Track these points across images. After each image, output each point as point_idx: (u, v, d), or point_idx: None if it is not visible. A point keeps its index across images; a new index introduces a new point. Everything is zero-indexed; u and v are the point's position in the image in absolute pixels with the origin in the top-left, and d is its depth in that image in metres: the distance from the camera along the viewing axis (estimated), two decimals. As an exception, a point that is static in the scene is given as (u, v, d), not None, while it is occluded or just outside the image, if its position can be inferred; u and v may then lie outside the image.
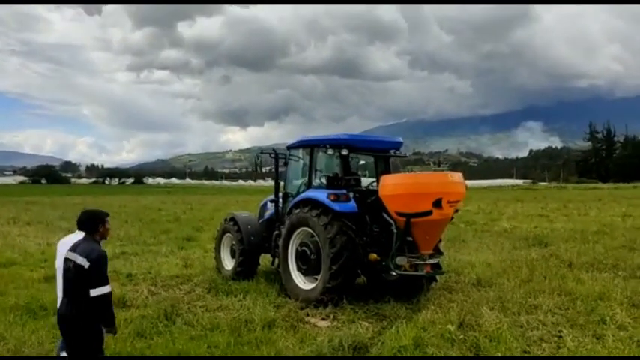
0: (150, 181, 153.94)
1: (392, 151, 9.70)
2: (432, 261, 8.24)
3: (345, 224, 8.25)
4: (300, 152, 10.02)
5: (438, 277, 9.07)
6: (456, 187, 8.03)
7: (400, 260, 8.13)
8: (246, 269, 10.21)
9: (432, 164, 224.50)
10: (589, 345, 6.27)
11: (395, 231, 8.18)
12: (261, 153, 10.41)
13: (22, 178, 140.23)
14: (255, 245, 10.25)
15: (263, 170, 10.40)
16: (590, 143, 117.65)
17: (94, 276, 4.41)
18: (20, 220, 24.06)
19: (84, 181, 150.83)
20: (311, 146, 9.47)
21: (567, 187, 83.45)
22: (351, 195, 8.58)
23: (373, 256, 8.30)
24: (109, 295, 4.51)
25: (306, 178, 9.49)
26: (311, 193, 8.92)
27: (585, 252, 13.09)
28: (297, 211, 8.89)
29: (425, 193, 7.78)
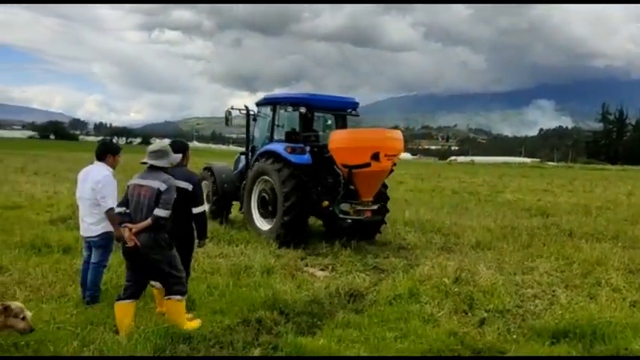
0: (157, 142, 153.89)
1: (348, 110, 10.50)
2: (372, 207, 9.31)
3: (297, 170, 9.09)
4: (265, 109, 10.72)
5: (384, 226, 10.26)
6: (393, 142, 9.01)
7: (344, 206, 9.24)
8: (218, 212, 11.03)
9: (440, 139, 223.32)
10: (582, 303, 6.35)
11: (342, 181, 9.16)
12: (232, 108, 11.18)
13: (30, 133, 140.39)
14: (228, 192, 10.98)
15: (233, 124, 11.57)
16: (601, 124, 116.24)
17: (197, 197, 5.45)
18: (28, 170, 24.30)
19: (92, 138, 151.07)
20: (274, 104, 10.38)
21: (574, 166, 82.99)
22: (307, 149, 9.39)
23: (325, 203, 9.21)
24: (205, 212, 5.63)
25: (269, 133, 10.24)
26: (271, 146, 9.82)
27: (587, 224, 13.10)
28: (259, 162, 9.79)
29: (364, 147, 8.77)
